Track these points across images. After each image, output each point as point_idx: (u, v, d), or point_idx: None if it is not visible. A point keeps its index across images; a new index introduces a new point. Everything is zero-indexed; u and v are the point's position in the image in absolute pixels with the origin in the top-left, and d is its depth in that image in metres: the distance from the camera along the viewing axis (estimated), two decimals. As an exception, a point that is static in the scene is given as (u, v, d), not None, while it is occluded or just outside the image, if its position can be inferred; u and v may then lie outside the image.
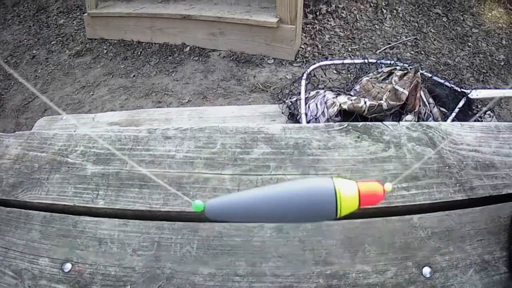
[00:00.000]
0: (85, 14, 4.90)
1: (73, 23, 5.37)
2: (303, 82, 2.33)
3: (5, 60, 4.84)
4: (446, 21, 4.91)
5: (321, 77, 3.00)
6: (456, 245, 0.78)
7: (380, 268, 0.76)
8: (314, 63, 2.53)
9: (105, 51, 4.67)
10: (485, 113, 2.11)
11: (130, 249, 0.80)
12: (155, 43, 4.60)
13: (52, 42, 5.02)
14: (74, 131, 1.06)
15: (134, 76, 4.19)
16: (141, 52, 4.54)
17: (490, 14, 5.11)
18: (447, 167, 0.92)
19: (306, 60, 4.07)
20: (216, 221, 0.63)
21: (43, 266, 0.79)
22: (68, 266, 0.79)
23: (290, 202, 0.58)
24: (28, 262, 0.80)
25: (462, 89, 2.14)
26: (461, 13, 5.06)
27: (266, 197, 0.60)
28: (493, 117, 2.17)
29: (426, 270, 0.75)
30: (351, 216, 0.84)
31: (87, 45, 4.84)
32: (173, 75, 4.14)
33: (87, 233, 0.83)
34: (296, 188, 0.60)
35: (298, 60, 4.10)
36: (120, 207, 0.87)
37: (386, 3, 5.06)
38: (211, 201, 0.61)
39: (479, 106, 2.16)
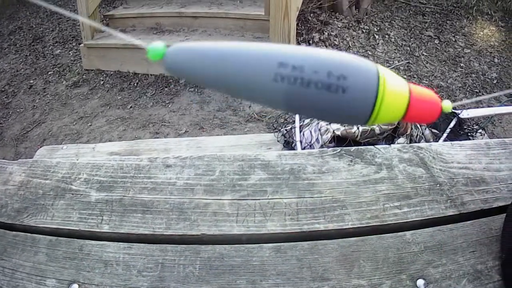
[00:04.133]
0: (81, 45, 4.93)
1: (69, 54, 5.40)
2: (298, 111, 2.37)
3: (3, 89, 4.88)
4: (438, 43, 4.98)
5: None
6: (448, 258, 0.81)
7: (375, 282, 0.78)
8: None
9: (101, 82, 4.71)
10: (476, 131, 2.14)
11: (135, 270, 0.83)
12: (151, 74, 4.64)
13: (49, 72, 5.05)
14: (77, 159, 1.09)
15: (131, 107, 4.23)
16: (137, 83, 4.58)
17: (482, 33, 5.18)
18: (438, 185, 0.95)
19: (300, 89, 4.10)
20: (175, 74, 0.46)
21: (50, 287, 0.82)
22: (75, 287, 0.81)
23: (310, 70, 0.41)
24: (35, 283, 0.82)
25: (452, 110, 2.18)
26: (453, 34, 5.12)
27: (273, 55, 0.43)
28: (484, 135, 2.20)
29: (420, 282, 0.78)
30: (345, 235, 0.87)
31: (83, 76, 4.88)
32: (169, 106, 4.17)
33: (93, 256, 0.86)
34: (325, 55, 0.43)
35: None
36: (125, 231, 0.90)
37: (378, 28, 5.13)
38: (178, 45, 0.45)
39: (472, 125, 2.20)
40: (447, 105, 0.45)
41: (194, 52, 0.45)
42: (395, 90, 0.41)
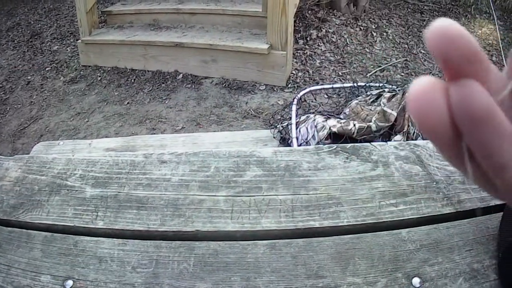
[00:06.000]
0: (79, 41, 4.95)
1: (67, 50, 5.41)
2: (294, 107, 2.38)
3: (0, 85, 4.88)
4: (436, 42, 4.97)
5: (312, 102, 3.04)
6: (445, 256, 0.81)
7: (370, 280, 0.78)
8: (305, 89, 2.57)
9: (99, 78, 4.70)
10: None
11: (129, 267, 0.82)
12: (148, 71, 4.63)
13: (47, 68, 5.06)
14: (73, 155, 1.08)
15: (128, 103, 4.22)
16: (134, 79, 4.57)
17: (480, 32, 5.18)
18: (434, 183, 0.95)
19: (297, 86, 4.10)
20: None
21: (45, 283, 0.81)
22: (69, 283, 0.81)
23: None
24: (30, 279, 0.82)
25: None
26: (451, 33, 5.12)
27: None
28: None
29: (416, 281, 0.77)
30: (340, 232, 0.87)
31: (81, 72, 4.87)
32: (166, 102, 4.16)
33: (87, 252, 0.85)
34: None
35: (289, 85, 4.13)
36: (119, 228, 0.89)
37: (376, 26, 5.13)
38: None
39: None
40: None
41: None
42: None
